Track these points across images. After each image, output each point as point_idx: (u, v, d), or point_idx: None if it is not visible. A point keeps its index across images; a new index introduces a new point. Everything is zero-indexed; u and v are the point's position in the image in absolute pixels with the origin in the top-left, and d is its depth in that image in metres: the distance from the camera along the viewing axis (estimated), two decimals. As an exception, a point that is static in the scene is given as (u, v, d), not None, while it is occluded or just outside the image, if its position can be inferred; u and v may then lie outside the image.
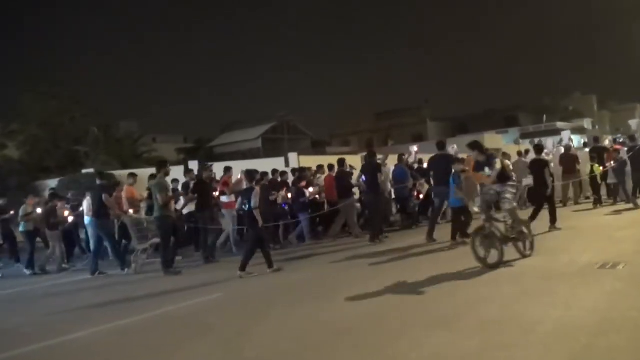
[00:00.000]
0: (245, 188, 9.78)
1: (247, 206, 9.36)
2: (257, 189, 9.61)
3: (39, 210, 12.92)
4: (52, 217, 12.69)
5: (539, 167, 11.70)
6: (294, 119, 49.62)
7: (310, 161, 16.60)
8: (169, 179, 11.65)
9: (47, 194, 16.04)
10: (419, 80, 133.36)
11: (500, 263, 7.77)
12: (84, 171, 21.38)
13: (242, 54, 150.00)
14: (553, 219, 11.27)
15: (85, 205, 12.86)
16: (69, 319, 7.56)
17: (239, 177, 12.08)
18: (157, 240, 11.08)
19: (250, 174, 9.81)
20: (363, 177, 13.10)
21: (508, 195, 8.25)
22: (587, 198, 16.56)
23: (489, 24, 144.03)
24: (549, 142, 21.19)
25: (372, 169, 12.47)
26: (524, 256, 8.32)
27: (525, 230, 8.50)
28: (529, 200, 15.42)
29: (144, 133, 37.20)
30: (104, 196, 11.26)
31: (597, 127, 60.95)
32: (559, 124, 53.32)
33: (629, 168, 14.57)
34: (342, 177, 13.66)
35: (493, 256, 7.83)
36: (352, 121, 64.28)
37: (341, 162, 13.89)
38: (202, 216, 11.98)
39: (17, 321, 7.68)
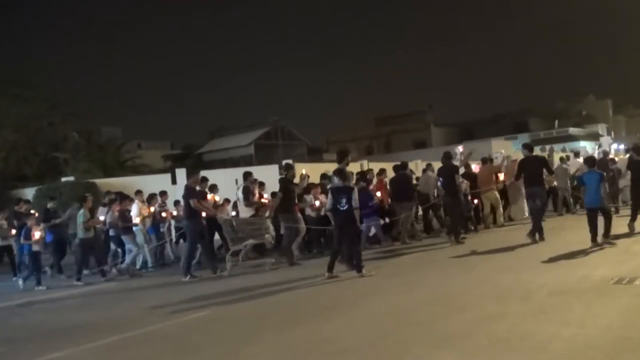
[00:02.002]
0: (339, 187, 10.01)
1: (346, 205, 9.62)
2: (356, 188, 10.08)
3: (101, 217, 12.96)
4: (123, 219, 12.91)
5: None
6: (288, 124, 49.66)
7: (306, 169, 16.59)
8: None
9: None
10: (422, 84, 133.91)
11: None
12: (63, 179, 21.38)
13: (232, 56, 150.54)
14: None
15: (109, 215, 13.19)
16: (44, 339, 7.53)
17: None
18: (252, 241, 12.16)
19: (343, 174, 10.19)
20: (440, 180, 13.71)
21: None
22: (624, 202, 16.93)
23: (497, 23, 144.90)
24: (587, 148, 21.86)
25: (449, 171, 13.20)
26: None
27: None
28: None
29: (128, 139, 37.32)
30: (191, 201, 11.51)
31: (612, 133, 61.17)
32: (572, 130, 53.62)
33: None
34: (401, 181, 14.25)
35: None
36: (350, 127, 64.53)
37: (403, 166, 14.69)
38: (284, 217, 12.28)
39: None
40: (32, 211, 13.92)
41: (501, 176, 16.04)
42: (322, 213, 12.92)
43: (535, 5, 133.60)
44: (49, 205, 14.20)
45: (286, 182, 12.52)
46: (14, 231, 13.69)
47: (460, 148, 17.37)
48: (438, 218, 15.64)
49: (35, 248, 12.17)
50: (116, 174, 25.15)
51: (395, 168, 14.86)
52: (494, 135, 47.02)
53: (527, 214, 16.34)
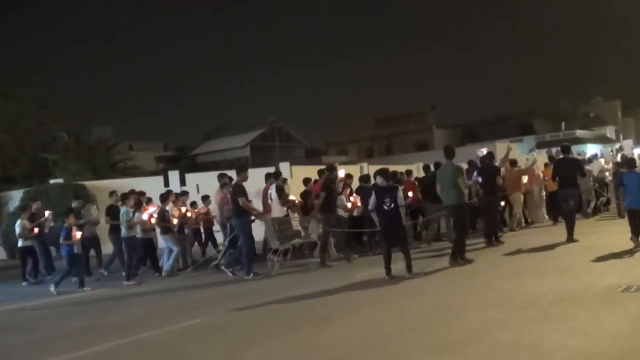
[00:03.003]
0: (383, 187, 10.23)
1: (392, 204, 9.82)
2: (400, 187, 10.35)
3: (144, 216, 12.91)
4: (162, 219, 12.94)
5: None
6: (285, 125, 49.77)
7: (304, 171, 16.64)
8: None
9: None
10: (423, 84, 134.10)
11: None
12: (52, 181, 21.38)
13: (230, 56, 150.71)
14: None
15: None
16: (33, 345, 7.55)
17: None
18: (299, 241, 12.76)
19: (385, 173, 10.43)
20: (479, 178, 13.85)
21: None
22: None
23: (501, 21, 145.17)
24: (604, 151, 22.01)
25: (490, 172, 13.54)
26: None
27: None
28: None
29: (120, 140, 37.22)
30: (240, 200, 11.67)
31: (620, 135, 61.23)
32: (579, 132, 53.63)
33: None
34: (429, 181, 14.41)
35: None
36: (350, 128, 64.58)
37: (426, 168, 15.05)
38: (327, 217, 12.48)
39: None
40: (48, 212, 14.02)
41: (525, 179, 16.19)
42: (355, 214, 13.61)
43: (541, 4, 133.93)
44: (74, 204, 14.16)
45: (328, 182, 12.84)
46: (36, 230, 13.65)
47: (484, 150, 17.55)
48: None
49: (76, 249, 12.08)
50: (106, 176, 25.15)
51: (425, 168, 15.28)
52: (498, 137, 46.97)
53: (546, 216, 16.75)
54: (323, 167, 14.31)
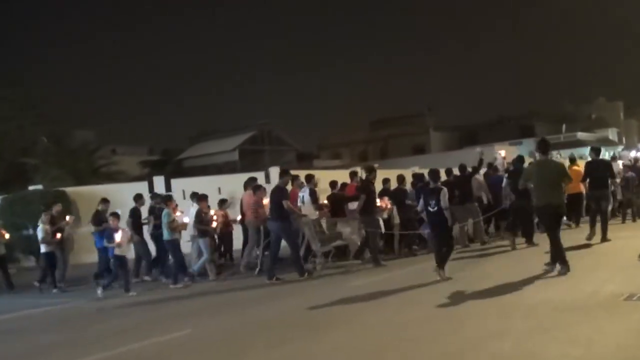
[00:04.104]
0: (429, 188, 10.75)
1: (435, 207, 10.27)
2: (445, 189, 10.62)
3: (185, 219, 12.97)
4: (200, 221, 12.95)
5: None
6: (276, 128, 49.72)
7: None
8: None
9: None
10: (420, 85, 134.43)
11: None
12: (31, 187, 21.22)
13: (220, 58, 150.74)
14: None
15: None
16: (14, 359, 7.50)
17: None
18: (340, 242, 13.08)
19: (434, 174, 10.84)
20: (510, 183, 14.16)
21: None
22: None
23: (501, 21, 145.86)
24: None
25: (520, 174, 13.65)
26: None
27: None
28: None
29: (102, 144, 37.03)
30: (284, 202, 12.01)
31: (623, 138, 61.55)
32: (580, 135, 53.89)
33: None
34: (465, 182, 14.81)
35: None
36: (343, 131, 64.58)
37: (463, 168, 15.36)
38: (366, 220, 12.89)
39: None
40: (69, 217, 14.04)
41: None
42: (385, 216, 13.99)
43: (541, 4, 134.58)
44: (100, 207, 14.12)
45: (368, 184, 13.29)
46: (59, 235, 13.60)
47: (502, 152, 18.08)
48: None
49: (119, 252, 12.06)
50: (89, 181, 25.02)
51: (461, 168, 15.49)
52: (497, 139, 47.07)
53: (565, 219, 16.83)
54: (312, 172, 14.47)
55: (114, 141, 48.32)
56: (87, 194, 18.71)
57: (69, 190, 20.31)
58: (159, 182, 20.40)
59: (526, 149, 46.29)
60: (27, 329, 9.66)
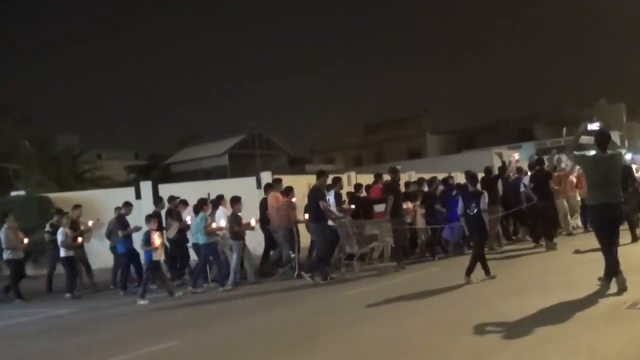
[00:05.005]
0: (470, 192, 11.16)
1: (475, 210, 10.66)
2: (485, 192, 11.11)
3: (222, 223, 12.90)
4: (235, 224, 12.95)
5: None
6: (267, 132, 49.68)
7: (287, 181, 16.65)
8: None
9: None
10: (416, 88, 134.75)
11: None
12: (13, 193, 21.14)
13: (205, 58, 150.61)
14: None
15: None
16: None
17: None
18: (376, 244, 13.25)
19: (473, 177, 11.34)
20: (532, 185, 14.85)
21: None
22: None
23: (499, 23, 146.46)
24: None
25: (543, 178, 14.57)
26: None
27: None
28: None
29: (87, 148, 36.96)
30: (320, 203, 12.31)
31: (625, 141, 61.76)
32: (582, 138, 53.92)
33: None
34: (490, 184, 14.94)
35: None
36: (336, 134, 64.48)
37: (488, 170, 15.64)
38: (397, 221, 13.25)
39: None
40: (91, 222, 14.27)
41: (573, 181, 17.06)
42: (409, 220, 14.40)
43: (541, 4, 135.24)
44: (122, 211, 14.11)
45: (396, 186, 13.81)
46: (80, 239, 13.72)
47: (516, 155, 18.51)
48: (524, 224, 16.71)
49: (156, 257, 12.12)
50: (73, 187, 24.96)
51: (487, 170, 15.70)
52: (495, 143, 47.32)
53: (578, 223, 17.79)
54: (306, 176, 14.49)
55: (100, 146, 48.29)
56: (72, 200, 18.62)
57: (53, 196, 20.24)
58: (145, 188, 20.35)
59: (526, 153, 46.43)
60: (14, 336, 9.62)
